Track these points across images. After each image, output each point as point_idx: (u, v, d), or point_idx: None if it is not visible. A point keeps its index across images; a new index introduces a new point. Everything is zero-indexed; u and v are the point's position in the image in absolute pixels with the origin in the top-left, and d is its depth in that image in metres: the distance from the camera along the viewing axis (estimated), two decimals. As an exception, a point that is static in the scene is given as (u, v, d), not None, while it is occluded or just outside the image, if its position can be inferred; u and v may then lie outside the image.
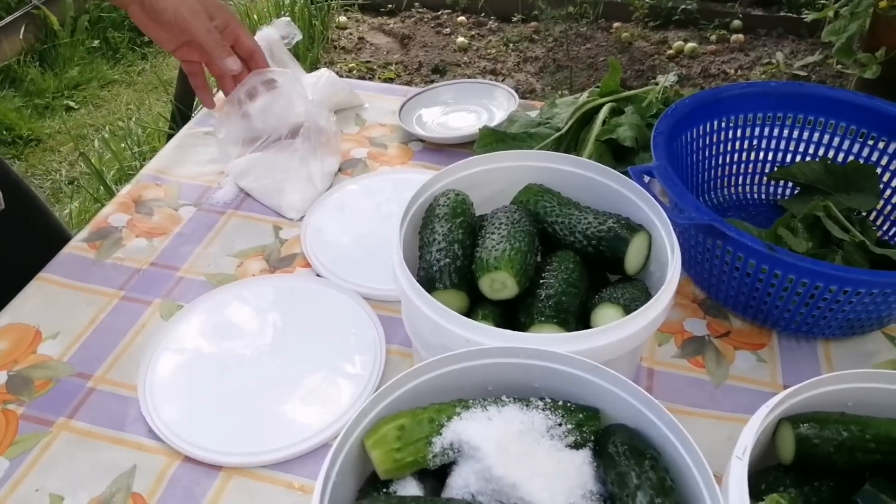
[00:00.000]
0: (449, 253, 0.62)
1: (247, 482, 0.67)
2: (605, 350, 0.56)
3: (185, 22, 0.85)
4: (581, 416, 0.53)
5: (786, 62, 3.00)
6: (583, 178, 0.73)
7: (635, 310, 0.59)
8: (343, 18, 3.39)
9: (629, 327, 0.57)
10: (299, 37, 1.11)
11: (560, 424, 0.52)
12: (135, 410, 0.73)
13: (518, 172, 0.74)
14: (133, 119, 2.77)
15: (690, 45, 3.08)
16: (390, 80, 2.96)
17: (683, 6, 3.23)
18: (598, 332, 0.56)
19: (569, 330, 0.60)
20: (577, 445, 0.52)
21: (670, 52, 3.08)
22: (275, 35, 1.09)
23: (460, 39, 3.23)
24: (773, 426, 0.53)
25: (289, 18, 1.11)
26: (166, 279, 0.87)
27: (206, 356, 0.77)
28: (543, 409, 0.53)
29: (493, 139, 0.96)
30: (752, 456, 0.53)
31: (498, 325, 0.59)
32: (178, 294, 0.85)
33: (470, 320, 0.56)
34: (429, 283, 0.62)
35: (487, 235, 0.64)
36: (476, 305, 0.63)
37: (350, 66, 3.10)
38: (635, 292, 0.63)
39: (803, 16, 3.02)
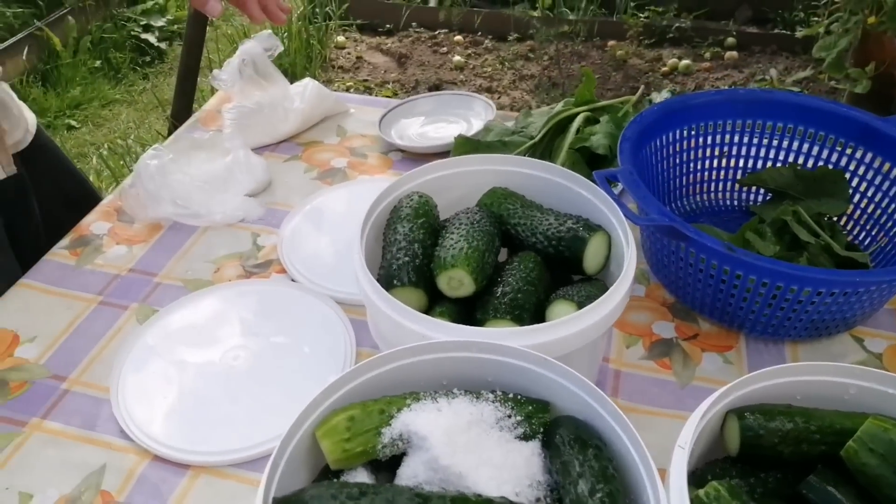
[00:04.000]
0: (409, 252, 0.63)
1: (214, 480, 0.68)
2: (558, 345, 0.57)
3: None
4: (531, 408, 0.54)
5: (779, 78, 3.02)
6: (546, 181, 0.75)
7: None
8: (341, 38, 3.44)
9: (581, 322, 0.58)
10: (281, 48, 1.13)
11: (509, 416, 0.53)
12: (107, 411, 0.74)
13: (483, 176, 0.75)
14: (132, 137, 2.81)
15: (685, 62, 3.11)
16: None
17: (678, 24, 3.26)
18: (549, 327, 0.57)
19: (524, 326, 0.61)
20: (526, 437, 0.53)
21: (664, 69, 3.11)
22: (257, 48, 1.12)
23: (456, 58, 3.27)
24: (721, 419, 0.54)
25: (270, 31, 1.13)
26: (144, 285, 0.89)
27: (179, 358, 0.78)
28: (493, 402, 0.54)
29: (469, 148, 0.98)
30: (701, 449, 0.54)
31: (455, 322, 0.60)
32: (155, 299, 0.87)
33: (424, 316, 0.57)
34: (388, 281, 0.63)
35: (447, 235, 0.65)
36: (435, 303, 0.64)
37: (348, 84, 3.14)
38: (593, 291, 0.64)
39: (797, 33, 3.05)
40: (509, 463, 0.51)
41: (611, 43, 3.30)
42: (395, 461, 0.53)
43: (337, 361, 0.77)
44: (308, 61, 3.11)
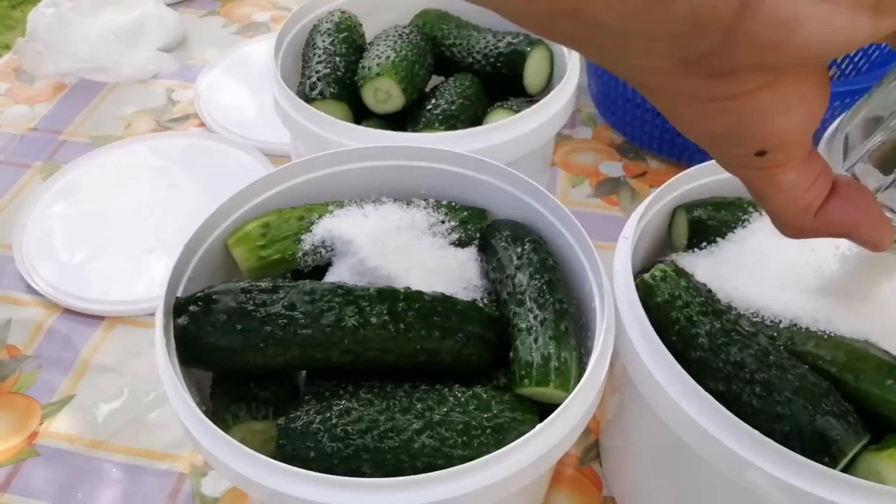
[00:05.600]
0: (329, 64, 0.57)
1: (131, 329, 0.62)
2: (496, 151, 0.53)
3: None
4: (466, 213, 0.49)
5: None
6: (483, 0, 0.68)
7: (529, 114, 0.55)
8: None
9: (522, 125, 0.53)
10: None
11: (443, 222, 0.49)
12: (11, 269, 0.67)
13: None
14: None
15: None
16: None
17: None
18: (486, 130, 0.52)
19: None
20: (461, 244, 0.49)
21: None
22: None
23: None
24: (668, 216, 0.51)
25: None
26: (48, 142, 0.80)
27: (88, 212, 0.72)
28: (426, 208, 0.49)
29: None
30: (646, 250, 0.51)
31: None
32: (61, 157, 0.79)
33: (347, 123, 0.51)
34: (306, 96, 0.57)
35: (373, 48, 0.59)
36: (360, 120, 0.58)
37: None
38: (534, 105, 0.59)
39: None
40: (443, 267, 0.47)
41: None
42: (319, 276, 0.48)
43: (263, 209, 0.71)
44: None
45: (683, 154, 0.76)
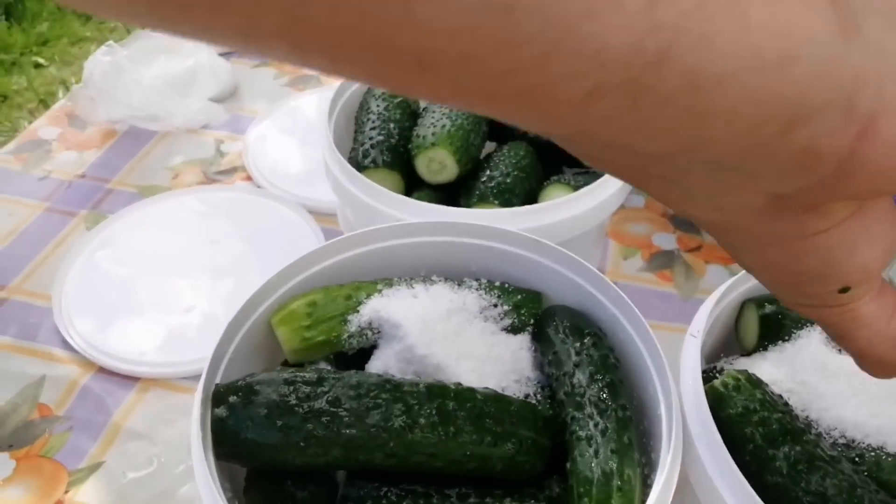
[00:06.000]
0: (383, 131, 0.56)
1: (165, 393, 0.61)
2: (552, 229, 0.50)
3: None
4: (520, 297, 0.47)
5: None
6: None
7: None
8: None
9: (579, 204, 0.51)
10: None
11: (496, 306, 0.46)
12: (49, 322, 0.66)
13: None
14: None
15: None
16: None
17: None
18: (543, 208, 0.50)
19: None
20: (514, 329, 0.46)
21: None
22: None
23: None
24: (735, 310, 0.47)
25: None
26: (94, 191, 0.80)
27: (130, 266, 0.71)
28: (478, 290, 0.47)
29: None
30: (712, 345, 0.48)
31: (434, 207, 0.53)
32: (107, 206, 0.79)
33: (399, 196, 0.49)
34: (359, 162, 0.55)
35: (428, 115, 0.57)
36: (413, 190, 0.56)
37: None
38: (591, 179, 0.57)
39: None
40: (494, 355, 0.44)
41: None
42: (364, 358, 0.46)
43: (306, 269, 0.69)
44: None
45: (742, 229, 0.72)
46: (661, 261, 0.74)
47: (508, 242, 0.48)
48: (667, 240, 0.76)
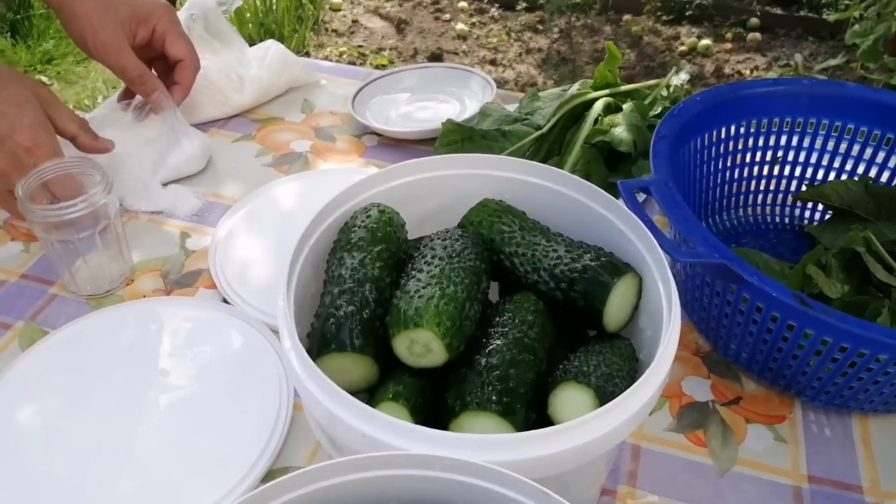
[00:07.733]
0: (356, 297, 0.44)
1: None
2: (566, 457, 0.38)
3: (105, 56, 0.79)
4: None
5: (805, 64, 2.80)
6: (557, 194, 0.55)
7: (612, 393, 0.41)
8: (337, -1, 3.20)
9: (602, 425, 0.39)
10: (239, 3, 0.93)
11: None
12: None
13: (471, 183, 0.56)
14: (101, 97, 2.59)
15: (704, 42, 2.88)
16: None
17: (698, 1, 3.03)
18: (554, 434, 0.38)
19: (516, 419, 0.41)
20: None
21: (682, 48, 2.88)
22: (210, 2, 0.92)
23: (460, 26, 3.04)
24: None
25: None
26: (36, 297, 0.69)
27: (60, 408, 0.59)
28: (463, 552, 0.35)
29: (459, 136, 0.78)
30: None
31: (414, 409, 0.41)
32: (46, 317, 0.68)
33: (365, 407, 0.38)
34: (322, 341, 0.44)
35: (413, 273, 0.46)
36: (389, 375, 0.44)
37: (341, 49, 2.91)
38: (615, 361, 0.45)
39: (825, 16, 2.83)
40: None
41: (626, 17, 3.07)
42: None
43: (268, 419, 0.58)
44: (298, 22, 2.88)
45: (791, 386, 0.61)
46: (693, 417, 0.62)
47: (505, 485, 0.36)
48: (700, 387, 0.64)
